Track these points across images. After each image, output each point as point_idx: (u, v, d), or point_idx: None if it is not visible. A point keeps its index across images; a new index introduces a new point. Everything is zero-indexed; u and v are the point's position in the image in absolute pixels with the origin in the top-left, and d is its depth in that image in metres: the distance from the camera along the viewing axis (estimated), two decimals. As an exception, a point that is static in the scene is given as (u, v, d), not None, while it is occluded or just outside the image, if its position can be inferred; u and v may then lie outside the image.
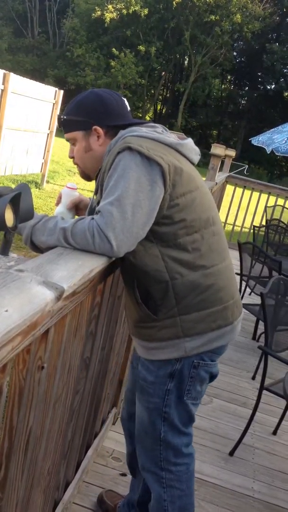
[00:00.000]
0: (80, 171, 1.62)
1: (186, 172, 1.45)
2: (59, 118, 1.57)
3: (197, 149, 1.58)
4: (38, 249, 1.42)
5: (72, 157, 1.59)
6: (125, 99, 1.58)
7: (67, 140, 1.58)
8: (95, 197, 1.60)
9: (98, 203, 1.60)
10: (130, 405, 1.84)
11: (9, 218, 1.24)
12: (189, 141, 1.56)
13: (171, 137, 1.50)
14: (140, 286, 1.49)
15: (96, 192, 1.56)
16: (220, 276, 1.50)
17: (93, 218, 1.33)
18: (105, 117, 1.51)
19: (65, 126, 1.55)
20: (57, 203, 1.70)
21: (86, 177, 1.62)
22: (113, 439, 2.46)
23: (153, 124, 1.54)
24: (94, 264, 1.27)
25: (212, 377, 1.60)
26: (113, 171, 1.37)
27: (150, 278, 1.45)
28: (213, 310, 1.49)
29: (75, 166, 1.62)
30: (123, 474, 2.25)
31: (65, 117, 1.54)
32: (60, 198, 1.69)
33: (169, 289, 1.45)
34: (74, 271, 1.17)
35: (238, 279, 4.25)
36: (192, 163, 1.55)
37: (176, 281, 1.44)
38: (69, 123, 1.54)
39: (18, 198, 1.27)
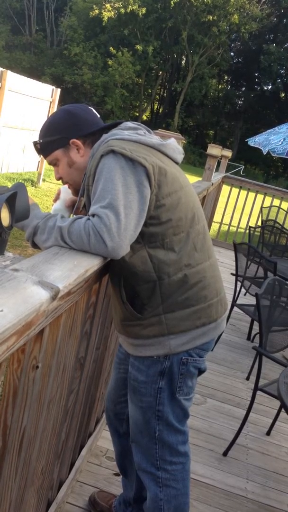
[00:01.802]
0: (72, 190, 1.63)
1: (171, 172, 1.47)
2: (35, 145, 1.59)
3: (180, 148, 1.60)
4: (39, 246, 1.43)
5: (59, 178, 1.61)
6: (92, 108, 1.61)
7: (50, 163, 1.60)
8: (82, 198, 1.61)
9: (84, 206, 1.61)
10: (115, 405, 1.84)
11: (5, 217, 1.24)
12: (172, 141, 1.58)
13: (154, 138, 1.53)
14: (127, 286, 1.50)
15: (81, 195, 1.57)
16: (205, 275, 1.52)
17: (89, 219, 1.34)
18: (79, 128, 1.54)
19: (43, 150, 1.58)
20: (55, 200, 1.70)
21: (78, 193, 1.62)
22: (107, 438, 2.46)
23: (135, 125, 1.56)
24: (89, 264, 1.27)
25: (200, 372, 1.61)
26: (99, 175, 1.38)
27: (138, 278, 1.47)
28: (197, 308, 1.51)
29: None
30: (117, 474, 2.25)
31: (41, 141, 1.57)
32: (58, 195, 1.69)
33: (156, 289, 1.47)
34: (69, 271, 1.17)
35: (233, 279, 4.26)
36: (176, 163, 1.57)
37: (163, 281, 1.46)
38: (46, 145, 1.56)
39: (14, 197, 1.27)
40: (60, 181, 1.63)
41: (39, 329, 1.04)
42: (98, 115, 1.61)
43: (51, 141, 1.55)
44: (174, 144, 1.57)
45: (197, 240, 1.52)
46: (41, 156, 1.62)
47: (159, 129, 3.07)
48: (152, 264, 1.45)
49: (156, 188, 1.41)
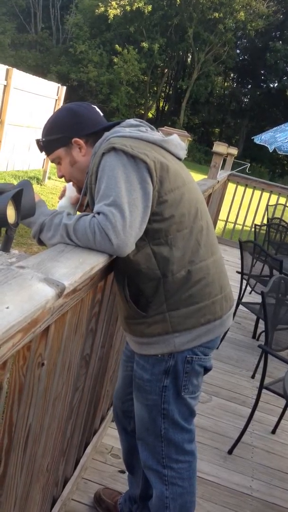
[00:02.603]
0: (76, 188, 1.63)
1: (173, 168, 1.46)
2: (38, 142, 1.59)
3: (182, 144, 1.59)
4: (45, 244, 1.43)
5: (61, 176, 1.61)
6: (95, 106, 1.60)
7: (52, 161, 1.61)
8: (85, 196, 1.61)
9: (87, 204, 1.60)
10: (122, 403, 1.84)
11: (10, 214, 1.24)
12: (174, 137, 1.57)
13: (155, 134, 1.52)
14: (131, 284, 1.50)
15: (84, 193, 1.57)
16: (209, 271, 1.52)
17: (94, 216, 1.33)
18: (81, 127, 1.53)
19: (46, 148, 1.58)
20: (61, 197, 1.70)
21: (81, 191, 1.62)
22: (112, 436, 2.46)
23: (137, 123, 1.55)
24: (95, 262, 1.27)
25: (206, 370, 1.61)
26: (102, 173, 1.38)
27: (143, 276, 1.47)
28: (201, 305, 1.50)
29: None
30: (122, 471, 2.25)
31: (44, 139, 1.57)
32: (64, 191, 1.69)
33: (160, 286, 1.47)
34: (75, 268, 1.17)
35: (239, 277, 4.25)
36: (179, 159, 1.56)
37: (167, 278, 1.46)
38: (49, 144, 1.56)
39: (20, 195, 1.27)
40: (64, 179, 1.63)
41: (44, 326, 1.04)
42: (102, 114, 1.60)
43: (53, 140, 1.55)
44: (176, 140, 1.56)
45: (200, 236, 1.51)
46: (44, 153, 1.62)
47: (165, 127, 3.07)
48: (156, 261, 1.45)
49: (158, 184, 1.41)
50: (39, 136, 1.63)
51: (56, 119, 1.56)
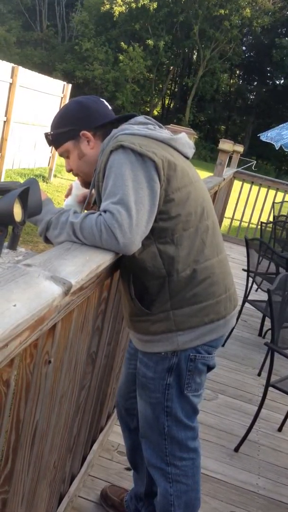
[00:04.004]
0: (81, 181, 1.63)
1: (180, 166, 1.46)
2: (46, 136, 1.59)
3: (191, 143, 1.59)
4: (51, 241, 1.43)
5: (70, 170, 1.61)
6: (104, 100, 1.60)
7: (60, 155, 1.61)
8: (93, 194, 1.61)
9: (94, 201, 1.60)
10: (125, 400, 1.85)
11: (17, 212, 1.24)
12: (183, 136, 1.57)
13: (164, 132, 1.52)
14: (136, 282, 1.50)
15: (92, 188, 1.57)
16: (214, 271, 1.52)
17: (100, 214, 1.34)
18: (90, 120, 1.53)
19: (54, 142, 1.58)
20: (67, 195, 1.70)
21: (88, 185, 1.62)
22: (118, 433, 2.46)
23: (145, 120, 1.55)
24: (101, 260, 1.28)
25: (209, 369, 1.61)
26: (109, 171, 1.38)
27: (148, 274, 1.47)
28: (205, 304, 1.50)
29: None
30: (128, 468, 2.26)
31: (52, 132, 1.57)
32: (70, 190, 1.69)
33: (165, 285, 1.47)
34: (81, 266, 1.17)
35: (245, 275, 4.24)
36: (187, 157, 1.56)
37: (172, 277, 1.46)
38: (57, 137, 1.56)
39: (27, 193, 1.27)
40: (71, 177, 1.64)
41: (51, 324, 1.04)
42: (110, 107, 1.61)
43: (62, 133, 1.55)
44: (185, 139, 1.56)
45: (206, 236, 1.51)
46: (52, 147, 1.62)
47: (171, 124, 3.06)
48: (161, 260, 1.45)
49: (165, 183, 1.40)
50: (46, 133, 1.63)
51: (65, 112, 1.56)
